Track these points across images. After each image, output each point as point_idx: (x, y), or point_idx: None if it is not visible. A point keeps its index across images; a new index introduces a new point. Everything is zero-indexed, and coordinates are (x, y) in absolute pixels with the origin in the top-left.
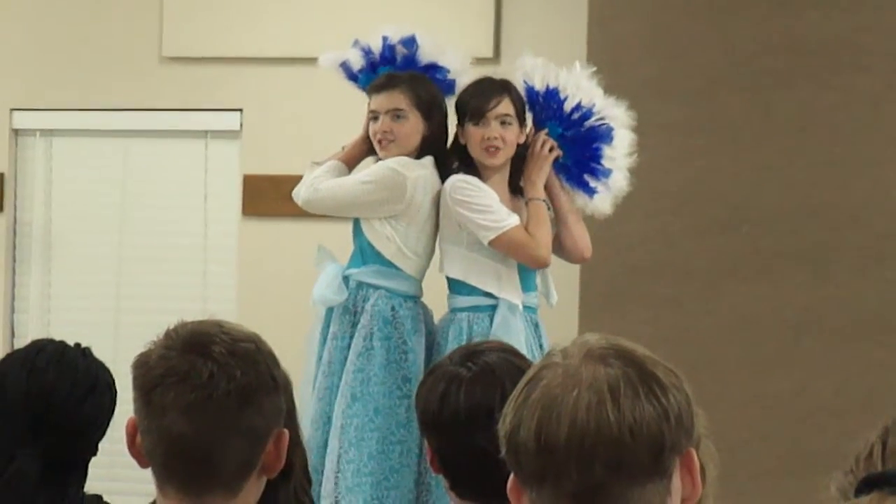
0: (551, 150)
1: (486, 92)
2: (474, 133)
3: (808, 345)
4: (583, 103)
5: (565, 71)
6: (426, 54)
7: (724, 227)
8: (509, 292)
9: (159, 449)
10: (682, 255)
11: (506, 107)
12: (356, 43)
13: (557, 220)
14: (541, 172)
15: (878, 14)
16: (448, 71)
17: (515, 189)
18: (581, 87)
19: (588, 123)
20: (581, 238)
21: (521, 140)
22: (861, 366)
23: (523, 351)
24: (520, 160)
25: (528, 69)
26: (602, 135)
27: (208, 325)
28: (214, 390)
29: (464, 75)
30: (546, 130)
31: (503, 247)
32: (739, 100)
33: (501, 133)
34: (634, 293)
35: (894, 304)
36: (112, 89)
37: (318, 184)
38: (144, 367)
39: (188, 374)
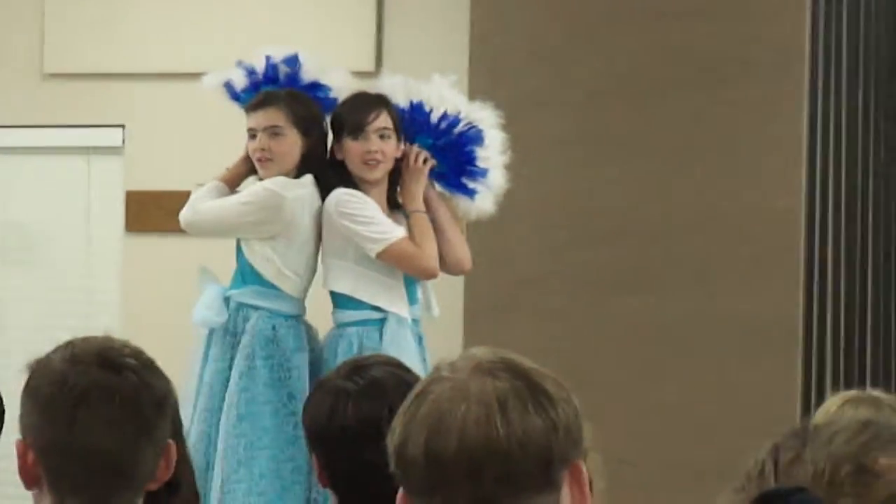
0: (425, 161)
1: (364, 106)
2: (353, 147)
3: (695, 357)
4: (448, 111)
5: (426, 83)
6: (309, 73)
7: (609, 238)
8: (398, 305)
9: (75, 465)
10: (568, 266)
11: (384, 120)
12: (239, 63)
13: (436, 233)
14: (418, 185)
15: (765, 25)
16: (331, 89)
17: (393, 204)
18: (444, 97)
19: (457, 130)
20: (461, 249)
21: (398, 154)
22: (743, 378)
23: (414, 364)
24: (397, 174)
25: (389, 88)
26: (472, 138)
27: (106, 340)
28: (138, 403)
29: (346, 93)
30: (417, 144)
31: (392, 259)
32: (624, 110)
33: (381, 146)
34: (520, 305)
35: (779, 316)
36: None
37: (197, 204)
38: (57, 386)
39: (113, 390)
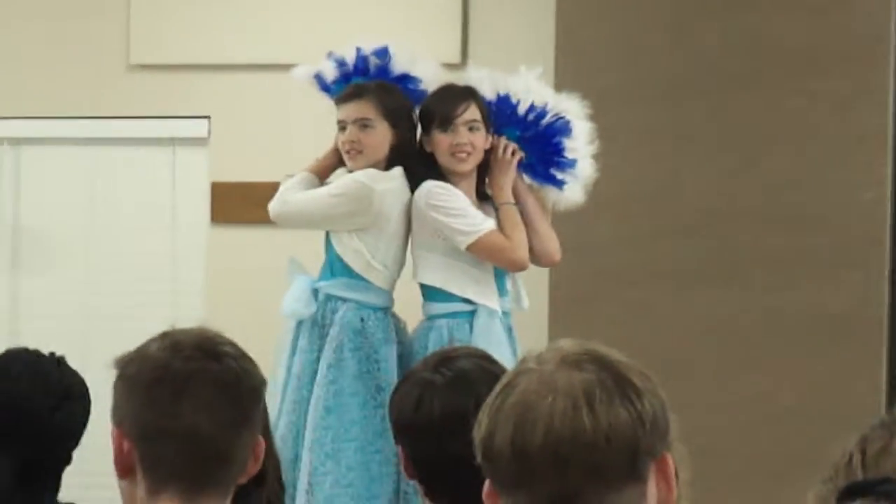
0: (514, 153)
1: (453, 98)
2: (442, 140)
3: (777, 347)
4: (535, 103)
5: (512, 75)
6: (399, 65)
7: (692, 229)
8: (488, 298)
9: (174, 451)
10: (651, 258)
11: (473, 112)
12: (330, 55)
13: (526, 224)
14: (507, 177)
15: (849, 17)
16: (421, 81)
17: (482, 196)
18: (530, 89)
19: (544, 121)
20: (550, 241)
21: (488, 146)
22: (828, 370)
23: (504, 357)
24: (485, 167)
25: (475, 81)
26: (560, 129)
27: (203, 330)
28: (241, 389)
29: (435, 85)
30: (505, 136)
31: (481, 251)
32: (705, 104)
33: (470, 138)
34: (603, 297)
35: (860, 307)
36: (80, 97)
37: (287, 196)
38: (162, 371)
39: (214, 377)
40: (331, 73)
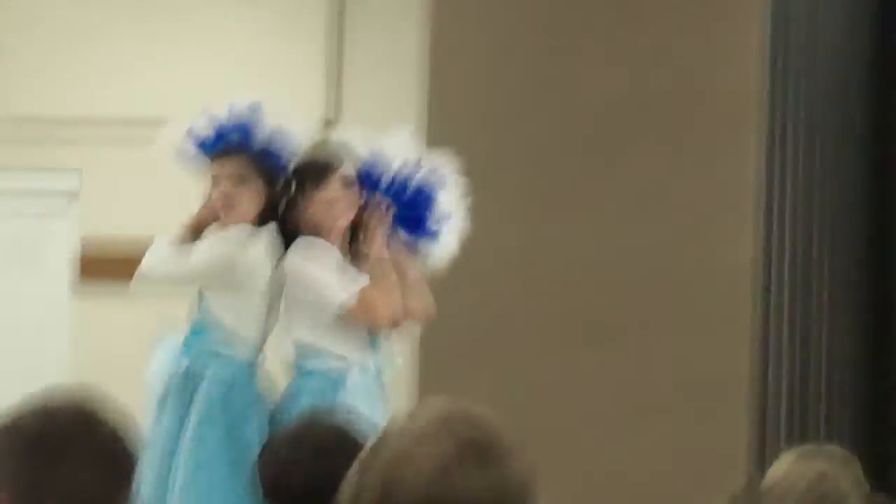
0: (387, 209)
1: (327, 156)
2: (318, 196)
3: (649, 413)
4: (407, 161)
5: (384, 134)
6: (270, 122)
7: (563, 290)
8: (361, 354)
9: None
10: (520, 319)
11: (347, 169)
12: (204, 111)
13: (400, 280)
14: (380, 233)
15: (709, 75)
16: (293, 137)
17: (355, 253)
18: (402, 147)
19: (416, 178)
20: (424, 296)
21: (360, 203)
22: (698, 435)
23: (377, 414)
24: (358, 224)
25: (349, 139)
26: (432, 185)
27: (78, 392)
28: (118, 452)
29: (307, 141)
30: (378, 194)
31: (356, 311)
32: (580, 163)
33: (345, 195)
34: (474, 357)
35: (726, 368)
36: None
37: (156, 257)
38: (40, 431)
39: (95, 437)
40: (204, 129)
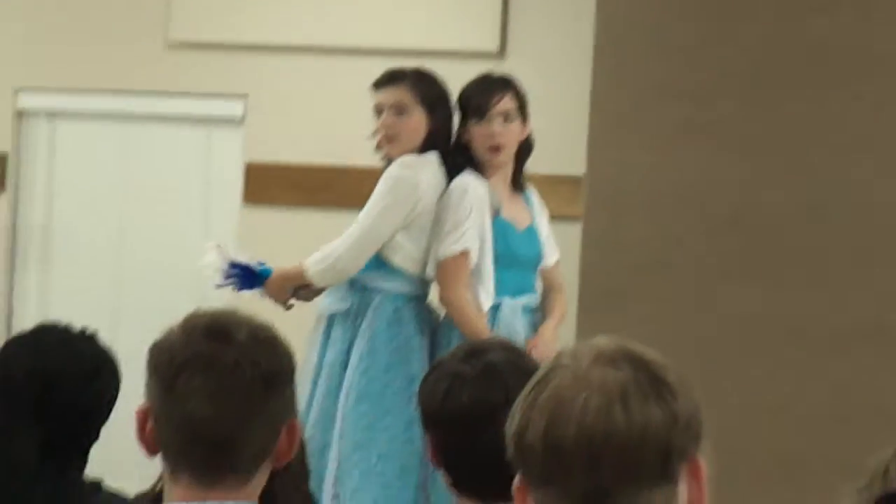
0: None
1: (488, 89)
2: (477, 130)
3: (805, 348)
4: None
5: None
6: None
7: (724, 229)
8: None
9: (178, 435)
10: (683, 255)
11: (507, 103)
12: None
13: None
14: None
15: (888, 19)
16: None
17: (517, 186)
18: None
19: None
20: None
21: (523, 136)
22: (859, 371)
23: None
24: (523, 155)
25: (512, 75)
26: None
27: (227, 313)
28: (240, 376)
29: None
30: None
31: (440, 272)
32: (744, 102)
33: (504, 129)
34: (633, 293)
35: (888, 308)
36: (118, 73)
37: (326, 251)
38: (166, 354)
39: (213, 360)
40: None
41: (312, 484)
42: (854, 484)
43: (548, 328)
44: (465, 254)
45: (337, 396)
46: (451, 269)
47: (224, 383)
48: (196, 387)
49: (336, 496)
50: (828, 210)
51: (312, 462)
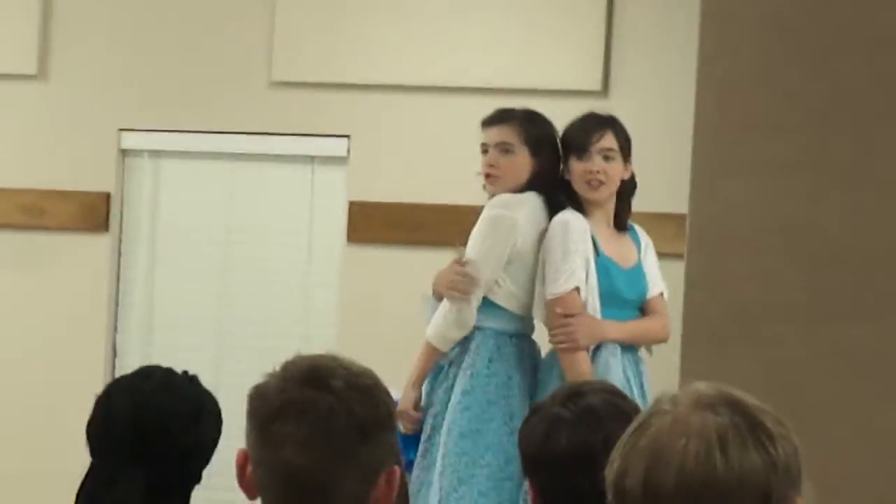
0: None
1: (590, 126)
2: (577, 167)
3: None
4: None
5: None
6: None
7: (828, 265)
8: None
9: (274, 481)
10: (787, 293)
11: (609, 141)
12: None
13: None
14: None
15: None
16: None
17: (621, 225)
18: None
19: None
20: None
21: (626, 175)
22: None
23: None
24: (626, 195)
25: (614, 114)
26: None
27: (326, 359)
28: (334, 424)
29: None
30: None
31: (553, 307)
32: (847, 137)
33: (603, 167)
34: (737, 333)
35: None
36: (221, 112)
37: (444, 311)
38: (262, 399)
39: (308, 407)
40: None
41: None
42: None
43: (610, 325)
44: (577, 290)
45: (439, 434)
46: (565, 306)
47: (318, 431)
48: (289, 434)
49: None
50: None
51: (415, 501)
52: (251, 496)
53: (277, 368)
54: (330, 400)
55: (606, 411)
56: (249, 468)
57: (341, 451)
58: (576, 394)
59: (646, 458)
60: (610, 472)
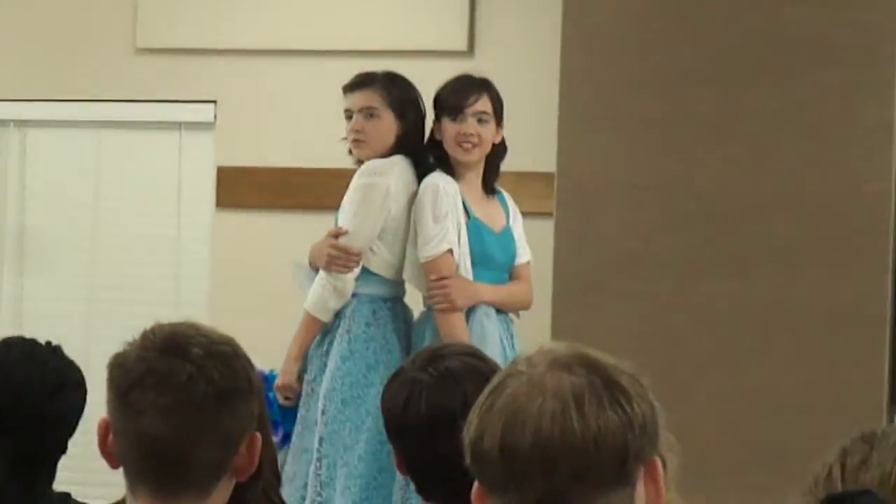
0: None
1: (465, 88)
2: (450, 128)
3: (780, 339)
4: None
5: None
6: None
7: (698, 220)
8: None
9: (133, 450)
10: (657, 249)
11: (484, 104)
12: None
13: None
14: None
15: (851, 9)
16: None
17: (489, 189)
18: None
19: None
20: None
21: (497, 139)
22: (833, 360)
23: (497, 353)
24: (495, 159)
25: (485, 75)
26: None
27: (185, 327)
28: (193, 392)
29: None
30: None
31: (428, 271)
32: (714, 94)
33: (478, 130)
34: (608, 287)
35: (865, 298)
36: (86, 80)
37: (333, 276)
38: (121, 368)
39: (167, 376)
40: None
41: (299, 486)
42: (800, 487)
43: (484, 288)
44: (450, 252)
45: (315, 398)
46: (439, 268)
47: (176, 399)
48: (148, 402)
49: (321, 499)
50: (800, 200)
51: (296, 466)
52: (113, 465)
53: (136, 337)
54: (189, 368)
55: (465, 373)
56: (111, 437)
57: (200, 419)
58: (436, 357)
59: (502, 420)
60: (467, 434)
